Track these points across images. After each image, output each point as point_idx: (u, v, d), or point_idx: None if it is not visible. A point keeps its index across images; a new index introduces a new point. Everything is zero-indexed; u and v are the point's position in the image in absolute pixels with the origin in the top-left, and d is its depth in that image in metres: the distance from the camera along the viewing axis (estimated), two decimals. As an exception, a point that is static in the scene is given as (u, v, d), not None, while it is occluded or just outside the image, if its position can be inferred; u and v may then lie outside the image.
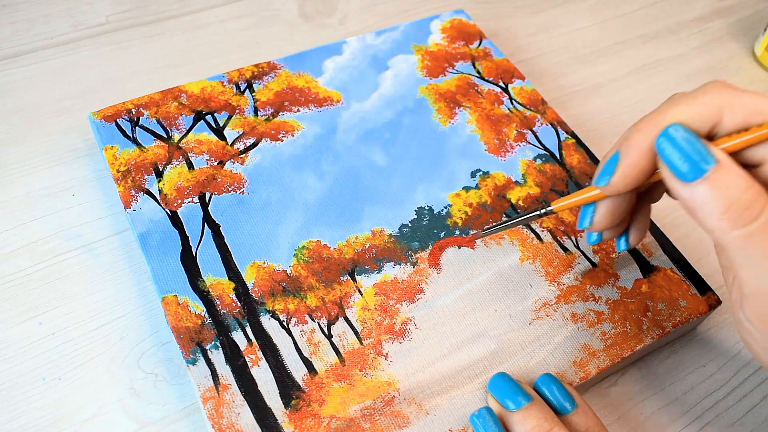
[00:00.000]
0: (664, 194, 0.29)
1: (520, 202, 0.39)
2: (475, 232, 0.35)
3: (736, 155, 0.24)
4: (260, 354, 0.32)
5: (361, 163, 0.40)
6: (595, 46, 0.54)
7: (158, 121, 0.40)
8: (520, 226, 0.37)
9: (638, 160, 0.24)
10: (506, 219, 0.33)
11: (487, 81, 0.45)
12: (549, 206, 0.30)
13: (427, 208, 0.38)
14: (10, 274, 0.37)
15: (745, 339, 0.26)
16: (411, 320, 0.34)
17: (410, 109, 0.43)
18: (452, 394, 0.31)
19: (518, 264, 0.36)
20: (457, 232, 0.37)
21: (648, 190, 0.29)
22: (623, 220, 0.29)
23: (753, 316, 0.24)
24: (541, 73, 0.51)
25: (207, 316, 0.33)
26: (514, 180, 0.40)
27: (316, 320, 0.33)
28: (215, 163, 0.39)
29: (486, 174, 0.40)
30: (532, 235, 0.37)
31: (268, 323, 0.33)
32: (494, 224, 0.34)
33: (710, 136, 0.24)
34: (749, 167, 0.24)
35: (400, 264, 0.36)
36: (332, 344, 0.33)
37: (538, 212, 0.31)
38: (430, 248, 0.37)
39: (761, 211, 0.22)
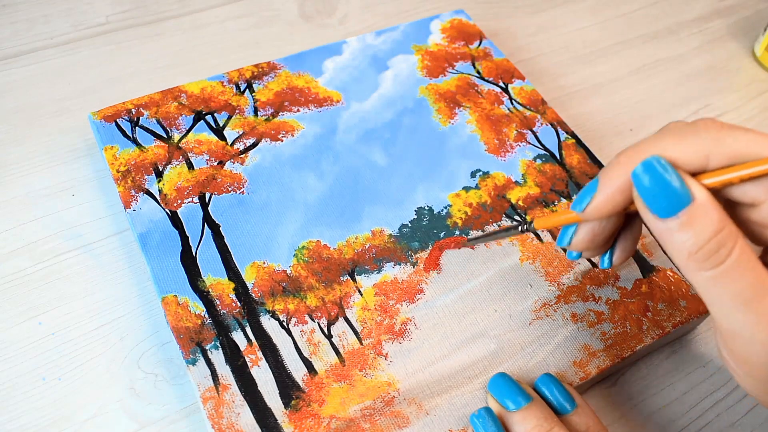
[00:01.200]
0: None
1: (520, 202, 0.39)
2: (463, 241, 0.36)
3: (723, 192, 0.23)
4: (260, 354, 0.32)
5: (361, 163, 0.40)
6: (595, 46, 0.54)
7: (158, 121, 0.40)
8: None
9: (614, 192, 0.24)
10: (485, 232, 0.33)
11: (487, 81, 0.45)
12: (531, 223, 0.30)
13: (427, 208, 0.38)
14: (10, 274, 0.37)
15: (728, 368, 0.25)
16: (411, 320, 0.34)
17: (410, 109, 0.43)
18: (452, 394, 0.31)
19: (518, 264, 0.36)
20: (457, 232, 0.37)
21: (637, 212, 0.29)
22: (605, 242, 0.28)
23: (727, 354, 0.24)
24: (541, 73, 0.51)
25: (207, 316, 0.33)
26: (514, 180, 0.40)
27: (316, 320, 0.33)
28: (215, 163, 0.39)
29: (486, 174, 0.40)
30: (532, 235, 0.37)
31: (268, 323, 0.33)
32: (477, 236, 0.34)
33: (696, 173, 0.23)
34: (739, 205, 0.23)
35: (400, 264, 0.36)
36: (332, 344, 0.33)
37: (518, 228, 0.31)
38: (429, 249, 0.37)
39: (729, 254, 0.21)
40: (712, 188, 0.23)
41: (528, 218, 0.38)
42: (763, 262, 0.23)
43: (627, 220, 0.28)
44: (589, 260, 0.36)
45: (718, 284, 0.22)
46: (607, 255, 0.29)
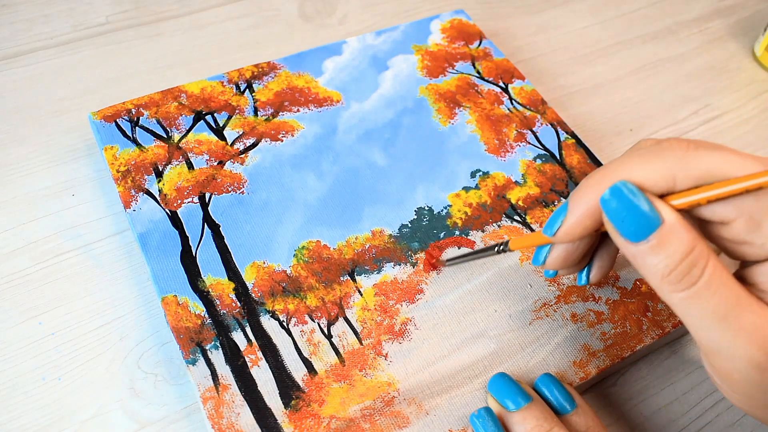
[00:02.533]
0: None
1: (520, 203, 0.39)
2: (440, 259, 0.36)
3: (693, 212, 0.23)
4: (260, 354, 0.32)
5: (361, 163, 0.40)
6: (595, 46, 0.54)
7: (158, 121, 0.40)
8: (521, 227, 0.37)
9: (583, 216, 0.24)
10: (464, 254, 0.34)
11: (487, 81, 0.45)
12: (507, 243, 0.30)
13: (426, 208, 0.38)
14: (10, 274, 0.37)
15: (724, 394, 0.25)
16: (411, 320, 0.34)
17: (410, 109, 0.43)
18: (452, 395, 0.31)
19: (518, 264, 0.36)
20: (457, 233, 0.37)
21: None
22: (579, 261, 0.28)
23: (710, 369, 0.24)
24: (541, 73, 0.51)
25: (207, 316, 0.33)
26: (514, 180, 0.40)
27: (316, 320, 0.33)
28: (215, 163, 0.39)
29: (486, 174, 0.40)
30: (532, 235, 0.37)
31: (268, 323, 0.33)
32: (454, 257, 0.34)
33: (664, 194, 0.23)
34: (711, 223, 0.23)
35: (399, 264, 0.36)
36: (332, 344, 0.33)
37: (495, 248, 0.31)
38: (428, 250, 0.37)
39: (701, 274, 0.22)
40: (679, 209, 0.22)
41: (527, 218, 0.38)
42: (740, 276, 0.24)
43: (602, 238, 0.28)
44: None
45: (693, 304, 0.22)
46: (584, 272, 0.29)
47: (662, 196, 0.23)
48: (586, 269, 0.29)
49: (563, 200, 0.39)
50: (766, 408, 0.24)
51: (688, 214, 0.23)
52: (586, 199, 0.24)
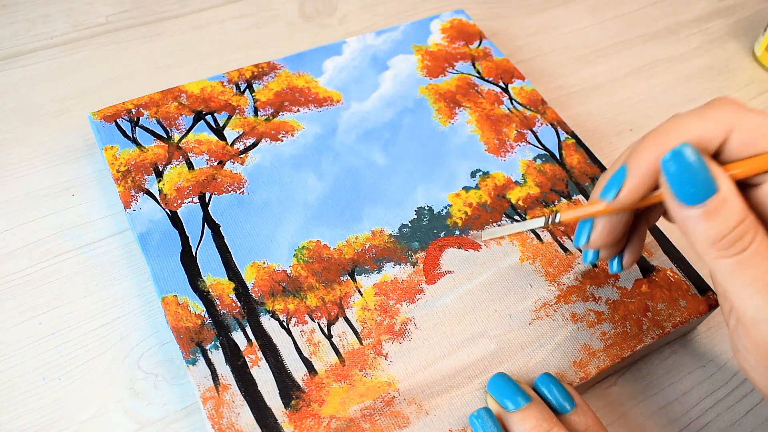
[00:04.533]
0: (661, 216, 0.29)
1: (520, 202, 0.39)
2: (474, 233, 0.35)
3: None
4: (260, 354, 0.32)
5: (361, 163, 0.40)
6: (595, 46, 0.54)
7: (158, 121, 0.40)
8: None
9: (646, 176, 0.24)
10: (510, 223, 0.32)
11: (487, 81, 0.45)
12: (556, 215, 0.29)
13: (427, 208, 0.38)
14: (10, 274, 0.37)
15: (742, 366, 0.26)
16: (411, 320, 0.34)
17: (410, 109, 0.43)
18: (452, 394, 0.31)
19: (518, 264, 0.36)
20: (457, 232, 0.37)
21: (645, 211, 0.29)
22: (620, 239, 0.28)
23: (749, 344, 0.24)
24: (541, 73, 0.51)
25: (207, 316, 0.33)
26: (514, 180, 0.40)
27: (316, 320, 0.33)
28: (215, 163, 0.39)
29: (486, 174, 0.40)
30: (532, 235, 0.37)
31: (268, 323, 0.33)
32: (496, 232, 0.32)
33: (716, 154, 0.24)
34: (750, 185, 0.24)
35: (400, 264, 0.36)
36: (332, 344, 0.33)
37: (544, 221, 0.30)
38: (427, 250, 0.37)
39: (750, 243, 0.22)
40: (738, 178, 0.23)
41: (528, 217, 0.38)
42: None
43: (634, 222, 0.28)
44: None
45: (739, 270, 0.22)
46: (616, 259, 0.29)
47: (717, 155, 0.24)
48: (617, 257, 0.29)
49: (563, 200, 0.39)
50: None
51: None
52: (646, 159, 0.24)
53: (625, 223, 0.27)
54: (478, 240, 0.35)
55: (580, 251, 0.37)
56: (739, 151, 0.23)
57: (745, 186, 0.24)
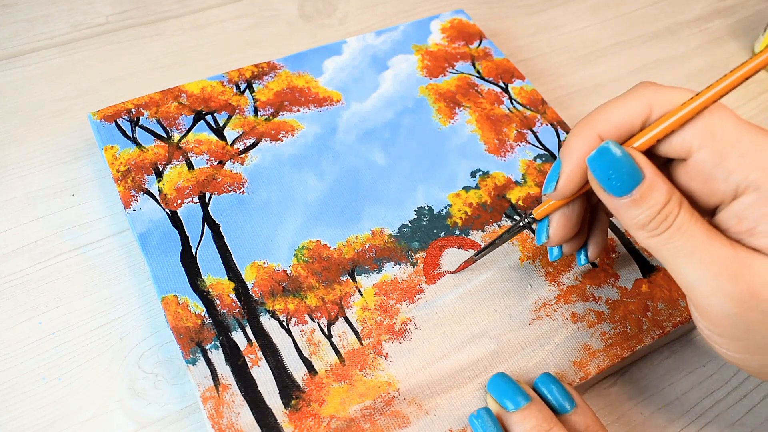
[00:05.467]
0: None
1: (520, 202, 0.39)
2: (467, 258, 0.36)
3: (662, 147, 0.25)
4: (260, 354, 0.32)
5: (361, 163, 0.40)
6: (595, 46, 0.54)
7: (158, 121, 0.40)
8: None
9: (577, 167, 0.26)
10: (489, 243, 0.34)
11: (487, 81, 0.45)
12: (531, 214, 0.30)
13: (427, 208, 0.38)
14: (10, 274, 0.37)
15: (715, 349, 0.26)
16: (411, 320, 0.34)
17: (410, 109, 0.43)
18: (452, 394, 0.31)
19: (518, 264, 0.36)
20: (457, 232, 0.37)
21: (599, 201, 0.30)
22: (580, 231, 0.30)
23: (697, 318, 0.26)
24: (541, 73, 0.51)
25: (207, 316, 0.33)
26: (514, 180, 0.40)
27: (316, 320, 0.33)
28: (215, 163, 0.39)
29: (486, 174, 0.40)
30: (532, 235, 0.37)
31: (268, 323, 0.33)
32: (482, 248, 0.35)
33: (643, 126, 0.26)
34: (678, 161, 0.25)
35: (400, 264, 0.36)
36: (332, 344, 0.33)
37: (522, 224, 0.32)
38: (427, 249, 0.37)
39: (674, 219, 0.24)
40: (649, 146, 0.25)
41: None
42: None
43: (593, 214, 0.30)
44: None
45: (667, 245, 0.24)
46: (582, 252, 0.31)
47: (630, 138, 0.25)
48: (583, 249, 0.31)
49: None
50: (753, 351, 0.25)
51: (664, 166, 0.26)
52: (576, 148, 0.26)
53: (579, 214, 0.29)
54: (470, 263, 0.36)
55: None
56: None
57: (672, 163, 0.26)
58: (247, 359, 0.32)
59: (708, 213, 0.26)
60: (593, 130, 0.25)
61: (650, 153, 0.25)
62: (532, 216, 0.30)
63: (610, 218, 0.36)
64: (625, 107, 0.25)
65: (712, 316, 0.24)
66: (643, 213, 0.24)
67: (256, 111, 0.42)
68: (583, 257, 0.31)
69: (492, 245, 0.34)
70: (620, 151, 0.24)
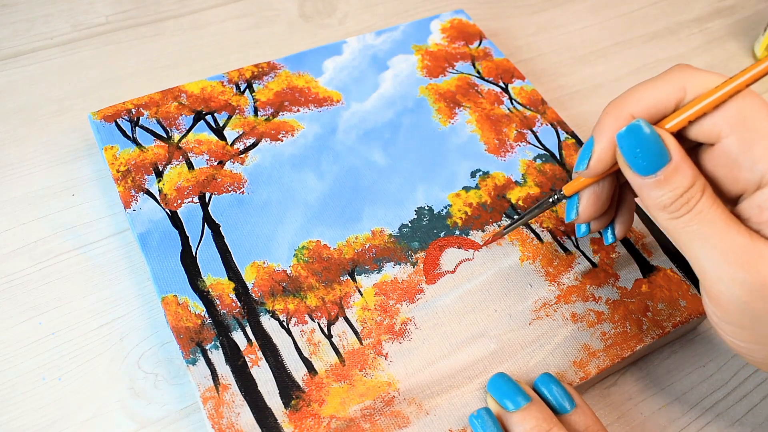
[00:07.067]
0: None
1: (520, 202, 0.39)
2: (496, 232, 0.36)
3: (692, 131, 0.25)
4: (260, 354, 0.32)
5: (361, 163, 0.40)
6: (595, 46, 0.54)
7: (158, 121, 0.40)
8: (521, 227, 0.37)
9: (610, 142, 0.26)
10: (519, 215, 0.34)
11: (487, 81, 0.45)
12: (561, 191, 0.31)
13: (427, 208, 0.38)
14: (10, 274, 0.37)
15: (726, 342, 0.27)
16: (411, 320, 0.34)
17: (410, 109, 0.43)
18: (452, 394, 0.31)
19: (518, 264, 0.36)
20: (457, 232, 0.37)
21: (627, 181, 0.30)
22: (608, 209, 0.30)
23: (708, 305, 0.26)
24: (541, 73, 0.51)
25: (207, 316, 0.33)
26: (514, 180, 0.40)
27: (316, 320, 0.33)
28: (215, 163, 0.39)
29: (486, 174, 0.40)
30: (532, 235, 0.37)
31: (268, 323, 0.33)
32: (512, 221, 0.35)
33: (676, 108, 0.26)
34: (707, 146, 0.25)
35: (400, 264, 0.36)
36: (332, 344, 0.33)
37: (551, 200, 0.32)
38: (427, 249, 0.37)
39: (696, 204, 0.24)
40: (680, 128, 0.25)
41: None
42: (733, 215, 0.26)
43: (621, 193, 0.30)
44: (590, 260, 0.36)
45: (685, 228, 0.24)
46: (609, 230, 0.31)
47: (663, 119, 0.25)
48: (609, 227, 0.31)
49: (564, 201, 0.39)
50: (759, 341, 0.25)
51: (691, 150, 0.26)
52: (608, 127, 0.26)
53: (608, 192, 0.29)
54: (498, 237, 0.36)
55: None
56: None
57: (700, 148, 0.26)
58: (247, 359, 0.32)
59: (731, 202, 0.26)
60: (626, 110, 0.26)
61: (679, 136, 0.25)
62: (561, 193, 0.31)
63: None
64: (659, 89, 0.25)
65: (722, 302, 0.24)
66: (665, 194, 0.24)
67: (256, 111, 0.42)
68: (610, 235, 0.31)
69: (521, 218, 0.34)
70: (650, 130, 0.24)
